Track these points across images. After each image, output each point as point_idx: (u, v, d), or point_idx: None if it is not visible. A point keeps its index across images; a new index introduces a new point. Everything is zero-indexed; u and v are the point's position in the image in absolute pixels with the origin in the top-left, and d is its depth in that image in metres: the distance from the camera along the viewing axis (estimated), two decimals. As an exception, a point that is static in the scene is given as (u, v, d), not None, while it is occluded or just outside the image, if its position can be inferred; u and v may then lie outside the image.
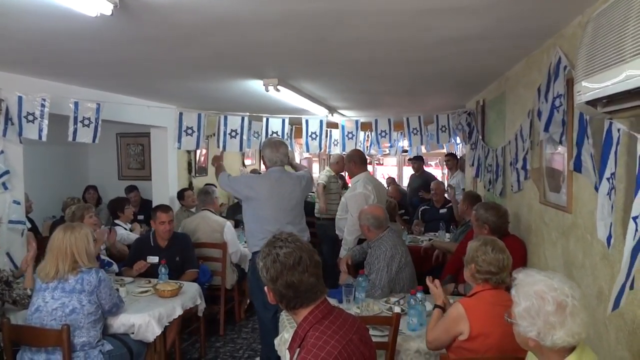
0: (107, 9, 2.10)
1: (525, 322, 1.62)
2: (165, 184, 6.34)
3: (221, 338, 4.85)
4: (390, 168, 16.34)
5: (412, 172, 8.32)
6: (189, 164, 6.89)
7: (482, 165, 5.12)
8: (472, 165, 5.64)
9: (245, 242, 5.18)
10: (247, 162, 9.33)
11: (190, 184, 6.82)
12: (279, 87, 4.36)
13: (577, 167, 2.52)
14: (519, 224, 3.75)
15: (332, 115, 6.77)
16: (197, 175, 7.10)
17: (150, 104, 5.59)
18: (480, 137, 5.27)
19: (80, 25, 2.56)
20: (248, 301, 5.43)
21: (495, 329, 2.32)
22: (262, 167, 10.21)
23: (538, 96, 3.08)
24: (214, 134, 4.86)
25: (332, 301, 3.35)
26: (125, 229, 5.01)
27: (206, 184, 6.41)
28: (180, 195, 6.15)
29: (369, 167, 14.95)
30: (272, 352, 4.03)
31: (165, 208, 4.34)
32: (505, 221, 3.51)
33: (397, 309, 3.10)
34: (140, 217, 6.21)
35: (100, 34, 2.74)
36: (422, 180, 7.61)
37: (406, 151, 9.70)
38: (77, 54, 3.29)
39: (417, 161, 7.97)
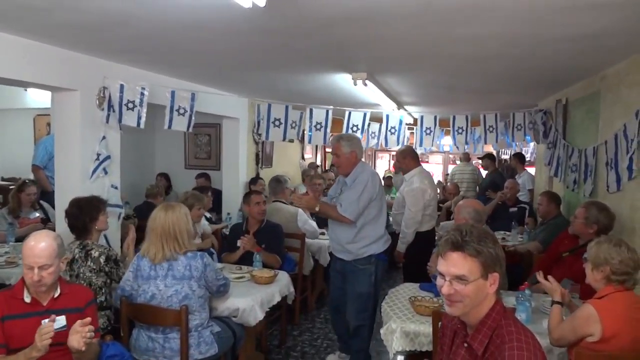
0: (262, 1, 2.16)
1: None
2: (235, 173, 6.49)
3: (297, 327, 4.93)
4: (435, 166, 16.26)
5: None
6: (257, 155, 7.01)
7: (563, 165, 5.05)
8: (549, 164, 5.56)
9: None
10: (307, 155, 9.42)
11: (257, 174, 6.94)
12: (366, 81, 4.41)
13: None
14: (616, 224, 3.68)
15: (399, 110, 6.78)
16: (263, 166, 7.22)
17: (226, 95, 5.72)
18: (561, 136, 5.20)
19: (220, 16, 2.65)
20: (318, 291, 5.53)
21: (628, 333, 2.30)
22: (319, 160, 10.34)
23: (654, 96, 3.04)
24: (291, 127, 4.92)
25: (427, 294, 3.40)
26: (206, 217, 5.15)
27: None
28: (253, 181, 6.38)
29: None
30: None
31: (257, 191, 4.60)
32: (612, 224, 3.47)
33: (500, 305, 3.09)
34: (209, 205, 6.38)
35: (235, 25, 2.83)
36: (491, 179, 7.50)
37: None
38: (193, 44, 3.41)
39: (488, 159, 7.82)
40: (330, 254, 4.29)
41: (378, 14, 2.56)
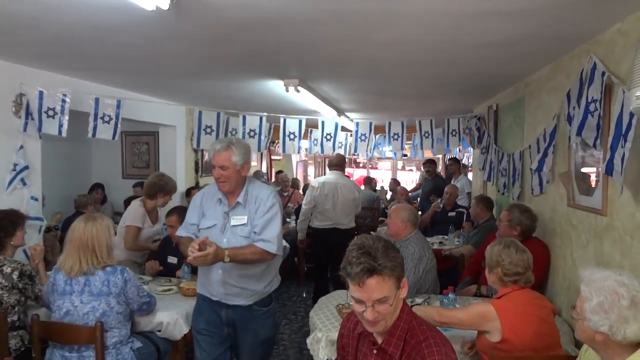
0: (165, 3, 2.09)
1: (597, 316, 1.65)
2: (173, 182, 6.29)
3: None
4: (384, 172, 16.46)
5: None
6: (196, 163, 6.85)
7: (495, 169, 5.17)
8: (483, 169, 5.69)
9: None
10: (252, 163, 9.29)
11: (197, 183, 6.78)
12: (299, 87, 4.38)
13: (609, 170, 2.56)
14: (539, 226, 3.78)
15: (340, 117, 6.80)
16: (203, 174, 7.06)
17: (160, 102, 5.56)
18: (493, 141, 5.33)
19: (126, 19, 2.55)
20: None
21: (528, 328, 2.36)
22: (264, 168, 10.25)
23: (568, 101, 3.13)
24: (231, 134, 4.85)
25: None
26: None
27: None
28: (188, 193, 6.15)
29: (364, 171, 15.10)
30: None
31: (170, 212, 4.24)
32: (535, 225, 3.57)
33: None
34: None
35: (144, 28, 2.73)
36: (434, 184, 7.61)
37: (406, 155, 9.77)
38: (109, 48, 3.27)
39: (430, 164, 7.92)
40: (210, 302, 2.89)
41: (289, 19, 2.53)
